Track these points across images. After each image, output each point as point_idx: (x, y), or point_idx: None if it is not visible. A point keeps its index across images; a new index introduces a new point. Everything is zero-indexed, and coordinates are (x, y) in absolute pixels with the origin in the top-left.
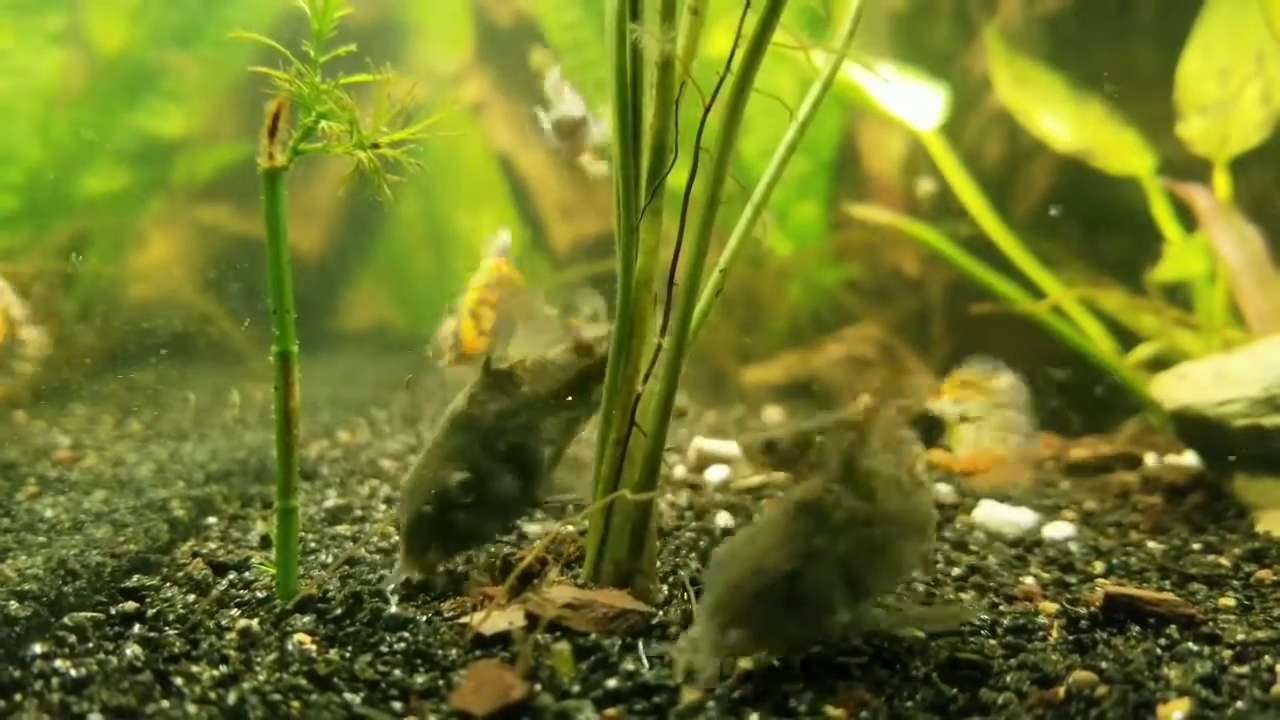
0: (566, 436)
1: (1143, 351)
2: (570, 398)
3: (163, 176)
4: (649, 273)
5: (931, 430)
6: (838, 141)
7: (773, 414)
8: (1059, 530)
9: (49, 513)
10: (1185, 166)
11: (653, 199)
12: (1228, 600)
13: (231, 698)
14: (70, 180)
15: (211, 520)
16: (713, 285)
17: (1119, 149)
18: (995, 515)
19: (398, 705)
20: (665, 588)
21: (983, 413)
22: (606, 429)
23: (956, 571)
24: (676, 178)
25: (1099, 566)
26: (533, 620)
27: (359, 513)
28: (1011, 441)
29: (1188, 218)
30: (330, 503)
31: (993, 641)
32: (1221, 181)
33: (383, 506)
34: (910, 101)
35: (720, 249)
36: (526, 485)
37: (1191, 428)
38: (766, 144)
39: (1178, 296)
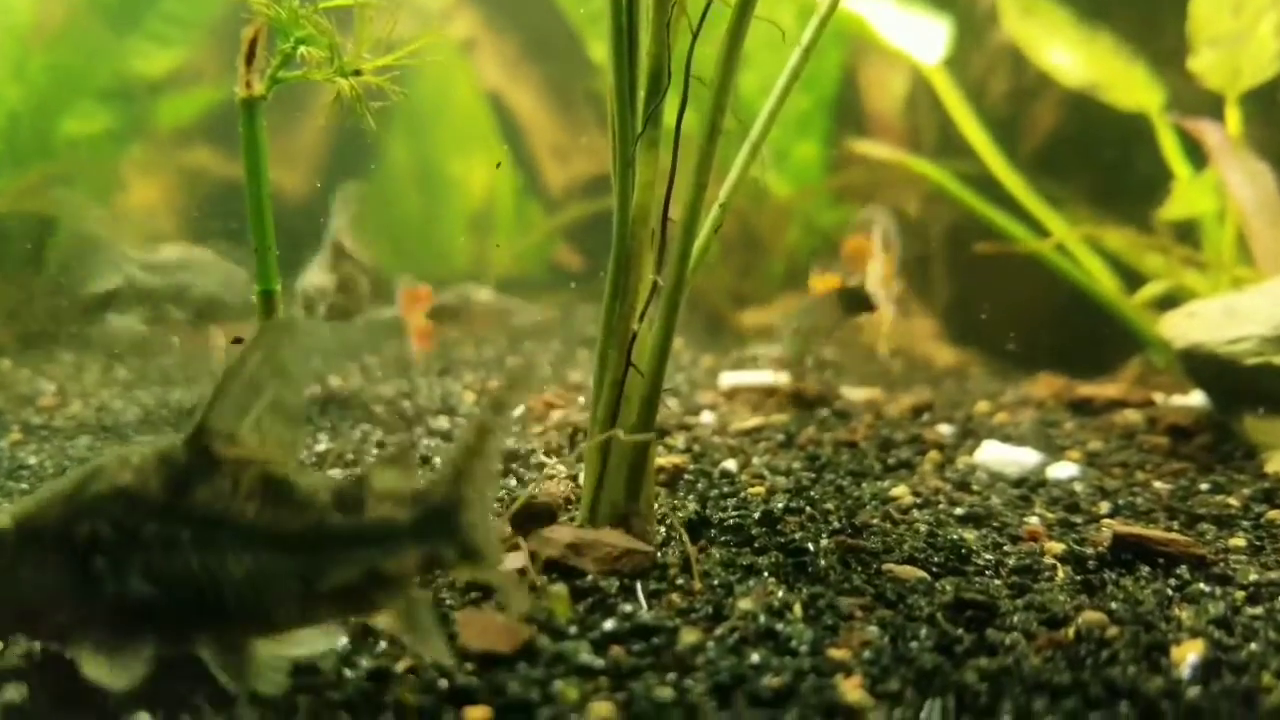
0: (262, 606)
1: (1150, 291)
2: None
3: (145, 118)
4: (645, 208)
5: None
6: (838, 78)
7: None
8: (1063, 470)
9: (32, 459)
10: (1196, 102)
11: (648, 128)
12: (1238, 541)
13: None
14: (49, 122)
15: None
16: (712, 221)
17: (1128, 83)
18: (998, 455)
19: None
20: (662, 529)
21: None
22: (602, 370)
23: (959, 512)
24: (674, 111)
25: (1104, 507)
26: (532, 560)
27: (350, 456)
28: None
29: (1198, 156)
30: (321, 446)
31: (998, 582)
32: (1233, 117)
33: (374, 450)
34: (914, 34)
35: (719, 185)
36: (151, 630)
37: (1200, 366)
38: (766, 79)
39: (1187, 238)
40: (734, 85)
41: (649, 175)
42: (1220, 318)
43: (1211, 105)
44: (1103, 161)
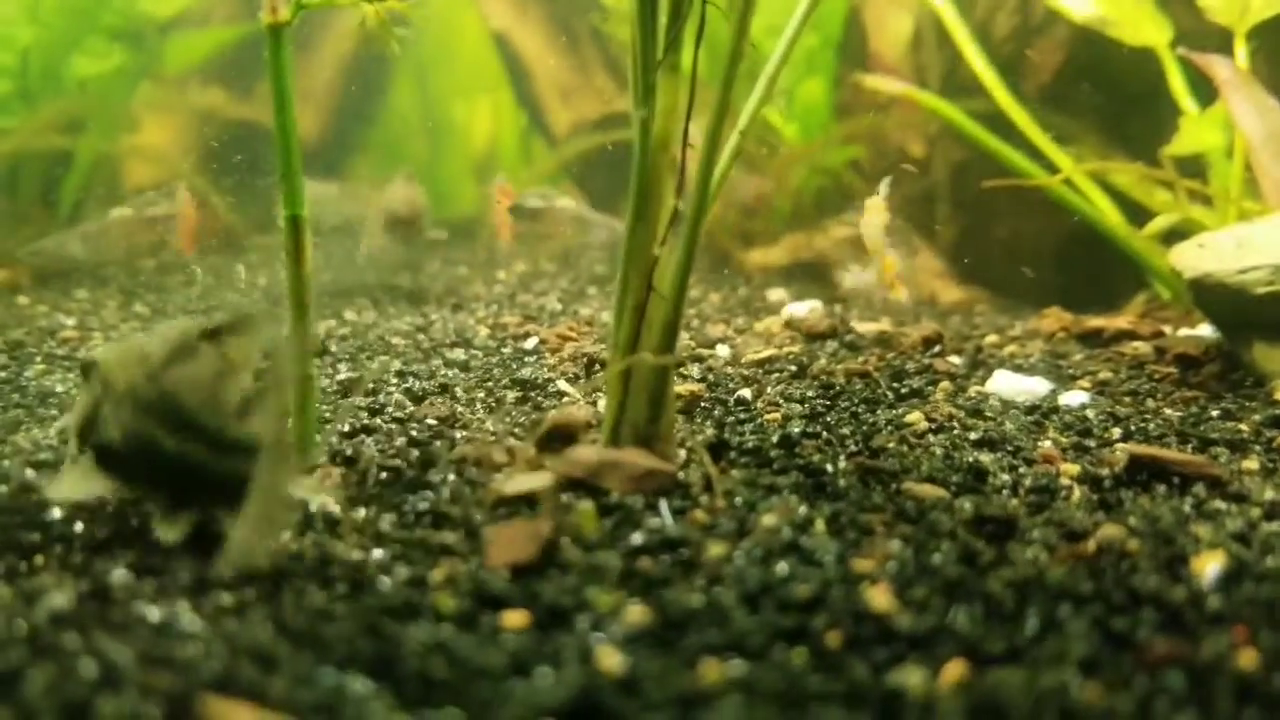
0: None
1: (1158, 224)
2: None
3: (155, 58)
4: (666, 134)
5: None
6: (845, 18)
7: (777, 295)
8: (1074, 398)
9: (59, 388)
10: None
11: (668, 53)
12: (1251, 463)
13: None
14: (60, 61)
15: None
16: (731, 148)
17: (1135, 19)
18: (1009, 384)
19: (430, 562)
20: (682, 453)
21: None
22: (624, 295)
23: (974, 436)
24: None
25: (1116, 432)
26: (558, 479)
27: (371, 385)
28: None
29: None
30: (342, 375)
31: (1015, 501)
32: (1241, 52)
33: (395, 380)
34: None
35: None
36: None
37: (1210, 296)
38: (774, 20)
39: (1194, 176)
40: (756, 5)
41: (670, 101)
42: (1231, 248)
43: (1219, 41)
44: (1109, 99)
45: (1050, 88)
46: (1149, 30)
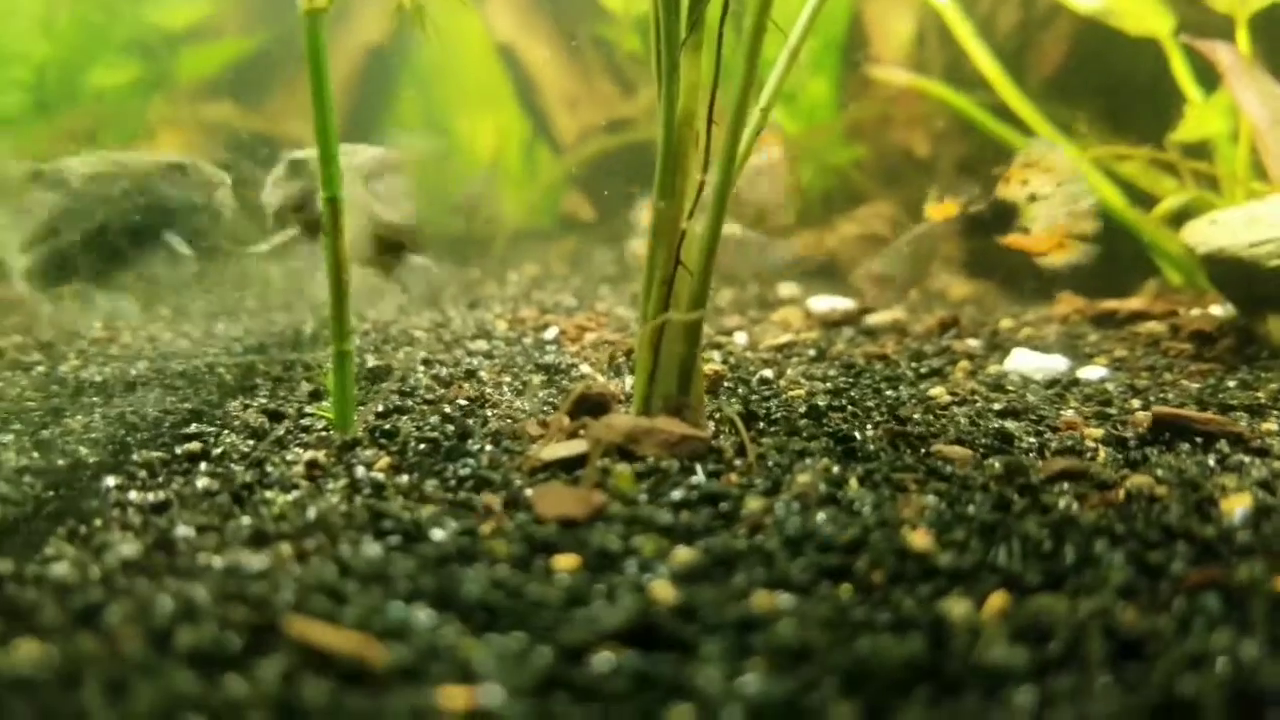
0: None
1: (1167, 205)
2: None
3: (168, 71)
4: (691, 110)
5: (1004, 216)
6: (847, 19)
7: (789, 289)
8: (1093, 373)
9: (98, 378)
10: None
11: (694, 30)
12: (1271, 425)
13: (311, 513)
14: (76, 73)
15: (258, 381)
16: (753, 126)
17: (1138, 9)
18: (1027, 362)
19: (477, 519)
20: (711, 424)
21: (1050, 190)
22: (651, 270)
23: (997, 407)
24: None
25: (1136, 403)
26: (595, 445)
27: (399, 372)
28: (1079, 213)
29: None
30: (370, 364)
31: (1042, 462)
32: (1243, 39)
33: (421, 367)
34: None
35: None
36: None
37: (1224, 271)
38: (784, 18)
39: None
40: None
41: (694, 78)
42: (1243, 224)
43: (1221, 30)
44: (1114, 90)
45: (1054, 81)
46: (1151, 20)
